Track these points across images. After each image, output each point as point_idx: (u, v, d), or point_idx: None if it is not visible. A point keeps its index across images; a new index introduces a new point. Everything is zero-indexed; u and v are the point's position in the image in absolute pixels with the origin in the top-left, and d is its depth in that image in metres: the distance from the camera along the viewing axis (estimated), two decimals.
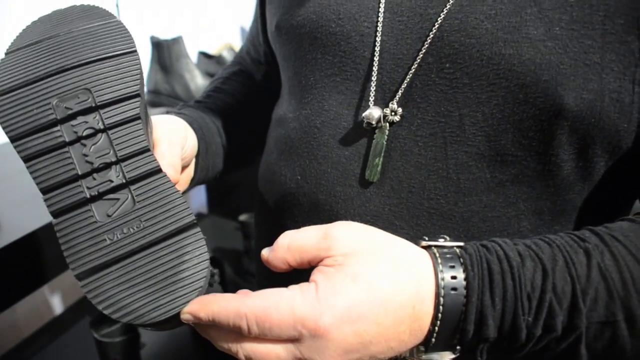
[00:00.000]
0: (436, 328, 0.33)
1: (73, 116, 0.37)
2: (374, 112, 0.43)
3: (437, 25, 0.41)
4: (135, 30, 1.40)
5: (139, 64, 0.39)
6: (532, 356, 0.36)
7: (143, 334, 1.02)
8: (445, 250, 0.35)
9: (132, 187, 0.37)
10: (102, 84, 0.38)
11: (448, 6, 0.41)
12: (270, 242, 0.53)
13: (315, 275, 0.34)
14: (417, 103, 0.42)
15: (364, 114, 0.43)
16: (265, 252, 0.37)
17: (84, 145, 0.37)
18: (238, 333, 0.33)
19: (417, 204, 0.43)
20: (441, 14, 0.41)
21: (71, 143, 0.37)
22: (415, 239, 0.42)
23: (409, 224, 0.44)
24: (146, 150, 0.37)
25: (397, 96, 0.43)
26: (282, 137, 0.51)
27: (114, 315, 0.34)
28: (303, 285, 0.33)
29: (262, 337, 0.32)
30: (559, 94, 0.38)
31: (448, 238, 0.36)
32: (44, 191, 0.37)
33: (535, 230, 0.43)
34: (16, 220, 0.71)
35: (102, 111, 0.37)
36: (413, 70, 0.42)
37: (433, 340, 0.34)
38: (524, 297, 0.33)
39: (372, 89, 0.44)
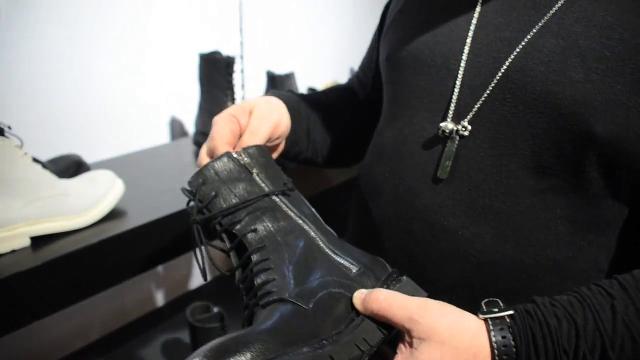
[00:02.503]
0: None
1: None
2: (448, 125, 0.56)
3: (504, 67, 0.52)
4: (255, 64, 1.57)
5: None
6: None
7: (230, 326, 1.13)
8: (498, 321, 0.43)
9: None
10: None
11: (514, 53, 0.52)
12: (359, 227, 0.66)
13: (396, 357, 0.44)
14: (483, 123, 0.54)
15: (441, 124, 0.56)
16: (363, 292, 0.47)
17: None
18: None
19: (474, 200, 0.54)
20: (508, 59, 0.52)
21: None
22: (469, 227, 0.53)
23: (466, 215, 0.54)
24: None
25: (469, 117, 0.55)
26: (379, 143, 0.65)
27: None
28: None
29: None
30: (591, 123, 0.47)
31: (502, 306, 0.44)
32: None
33: (570, 235, 0.51)
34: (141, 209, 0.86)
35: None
36: (483, 99, 0.54)
37: None
38: (562, 354, 0.42)
39: (451, 109, 0.56)
